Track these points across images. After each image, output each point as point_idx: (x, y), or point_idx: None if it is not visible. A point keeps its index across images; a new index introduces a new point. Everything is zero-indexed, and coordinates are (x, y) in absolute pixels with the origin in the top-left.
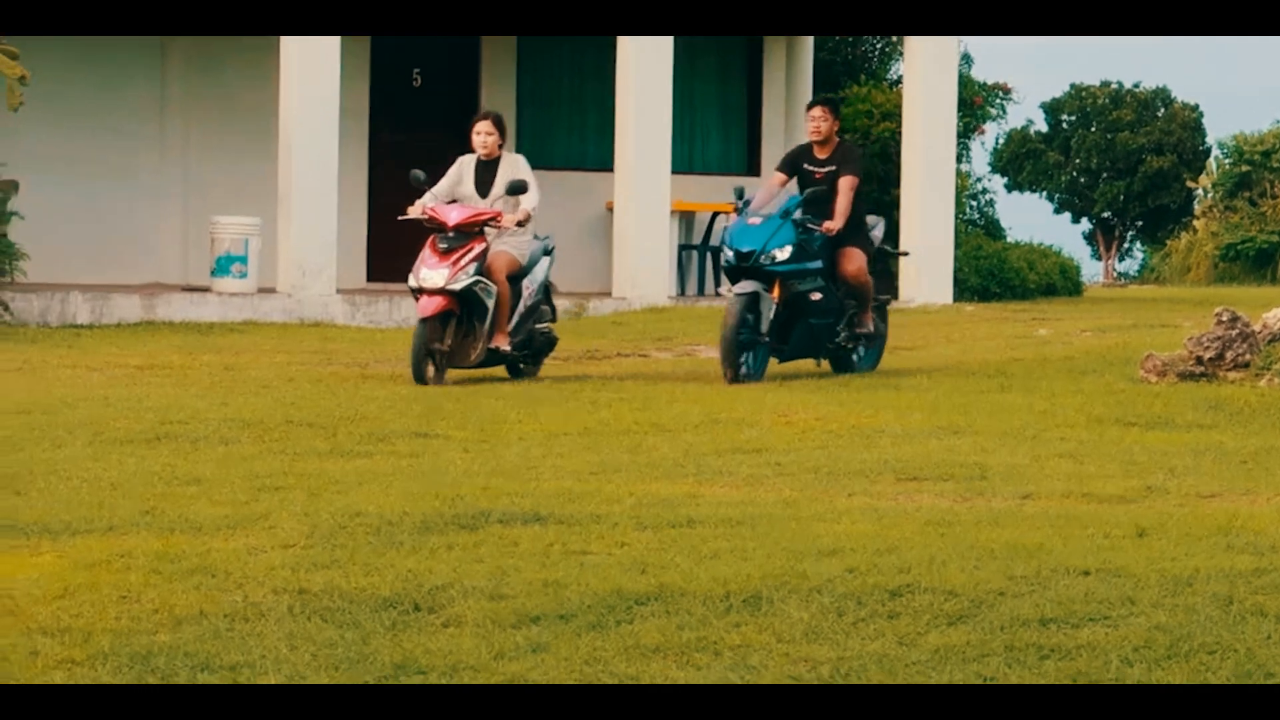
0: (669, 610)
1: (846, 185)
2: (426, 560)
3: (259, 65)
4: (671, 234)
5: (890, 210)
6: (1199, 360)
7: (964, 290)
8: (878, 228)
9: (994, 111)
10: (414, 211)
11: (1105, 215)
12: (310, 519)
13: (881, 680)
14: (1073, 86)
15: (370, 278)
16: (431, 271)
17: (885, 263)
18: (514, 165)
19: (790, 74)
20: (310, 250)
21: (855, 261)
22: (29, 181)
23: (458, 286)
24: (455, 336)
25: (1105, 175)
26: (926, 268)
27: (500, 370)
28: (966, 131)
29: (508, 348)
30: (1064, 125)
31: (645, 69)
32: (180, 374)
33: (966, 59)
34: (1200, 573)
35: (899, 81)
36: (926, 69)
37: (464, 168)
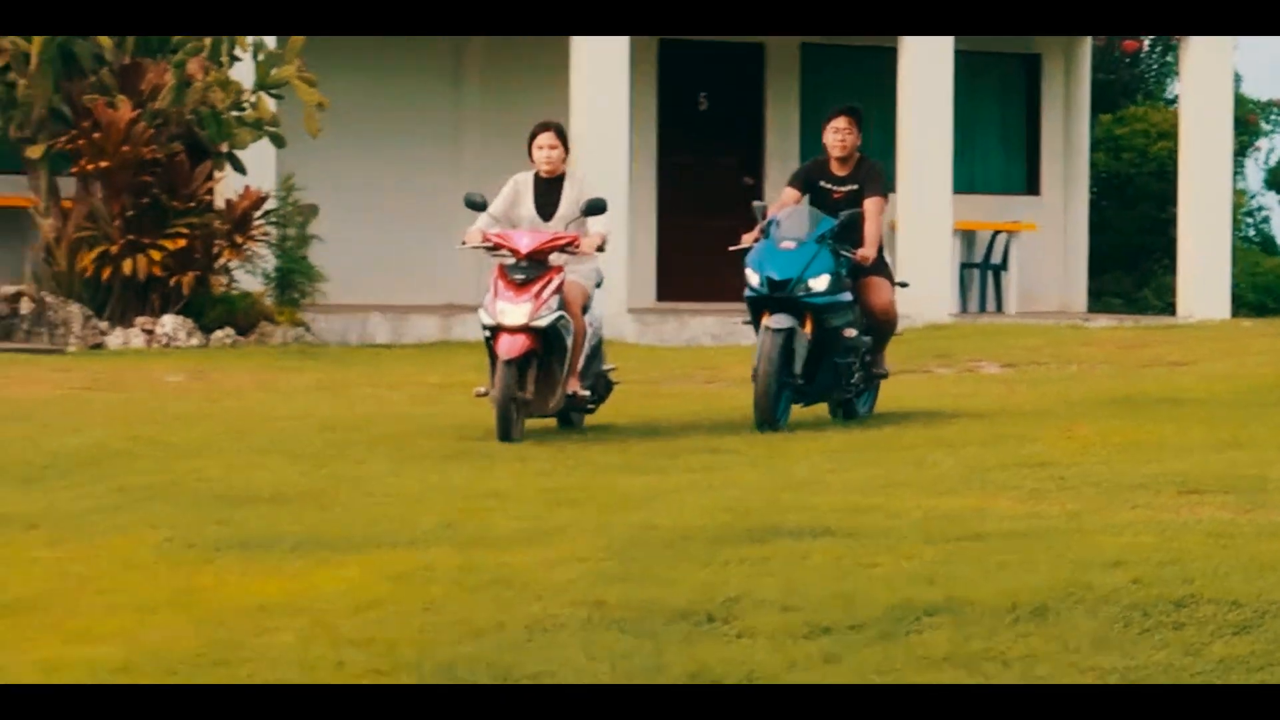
0: (957, 621)
1: (876, 208)
2: (719, 572)
3: (551, 88)
4: (953, 253)
5: (1167, 228)
6: None
7: (1240, 306)
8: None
9: (1268, 128)
10: (472, 239)
11: None
12: (605, 533)
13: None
14: None
15: (659, 297)
16: (511, 306)
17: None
18: (580, 184)
19: (1068, 93)
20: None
21: (884, 294)
22: (328, 205)
23: (543, 322)
24: (535, 381)
25: None
26: (1203, 283)
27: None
28: (1242, 150)
29: (585, 391)
30: None
31: (926, 89)
32: None
33: (1236, 77)
34: None
35: (1175, 100)
36: (1202, 88)
37: (520, 187)
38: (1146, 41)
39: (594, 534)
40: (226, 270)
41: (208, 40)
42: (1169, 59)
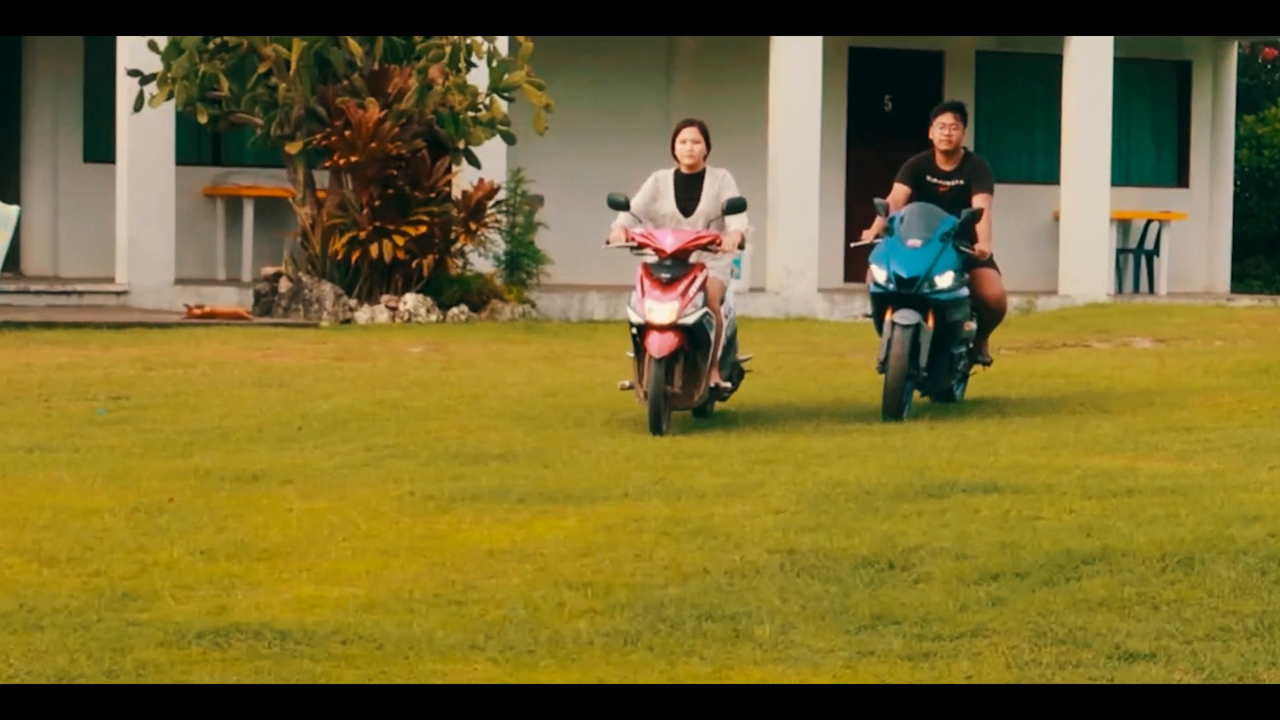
0: (1112, 569)
1: (989, 204)
2: (899, 524)
3: (753, 88)
4: (1110, 239)
5: None
6: None
7: None
8: None
9: None
10: (615, 238)
11: None
12: (798, 488)
13: None
14: None
15: (847, 278)
16: (659, 305)
17: None
18: (721, 181)
19: (1215, 96)
20: (795, 253)
21: (996, 285)
22: (552, 195)
23: (690, 320)
24: (681, 375)
25: None
26: None
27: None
28: None
29: (727, 384)
30: None
31: (1087, 92)
32: None
33: None
34: None
35: None
36: None
37: (661, 184)
38: None
39: (788, 489)
40: (462, 254)
41: (448, 49)
42: None
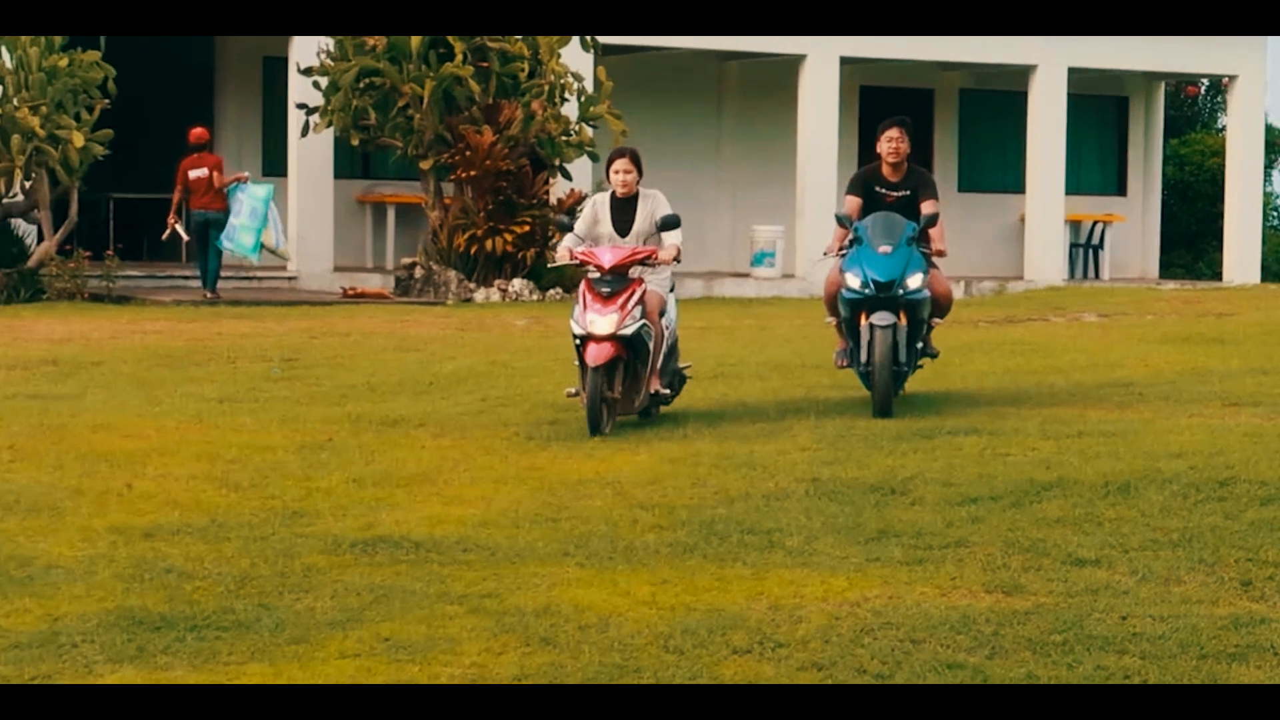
0: (1065, 494)
1: (937, 209)
2: (899, 459)
3: (784, 119)
4: (1064, 236)
5: (1216, 220)
6: None
7: (1267, 275)
8: None
9: None
10: (561, 257)
11: None
12: (820, 430)
13: (1214, 544)
14: None
15: None
16: (600, 317)
17: None
18: (654, 201)
19: (1147, 124)
20: (818, 246)
21: (944, 283)
22: None
23: (629, 331)
24: (622, 383)
25: None
26: (1242, 258)
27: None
28: (1270, 164)
29: (666, 390)
30: None
31: (1047, 121)
32: (730, 333)
33: (1266, 113)
34: None
35: (1224, 129)
36: (1243, 120)
37: (598, 207)
38: (1203, 88)
39: (811, 431)
40: (556, 247)
41: (546, 88)
42: (1219, 99)
